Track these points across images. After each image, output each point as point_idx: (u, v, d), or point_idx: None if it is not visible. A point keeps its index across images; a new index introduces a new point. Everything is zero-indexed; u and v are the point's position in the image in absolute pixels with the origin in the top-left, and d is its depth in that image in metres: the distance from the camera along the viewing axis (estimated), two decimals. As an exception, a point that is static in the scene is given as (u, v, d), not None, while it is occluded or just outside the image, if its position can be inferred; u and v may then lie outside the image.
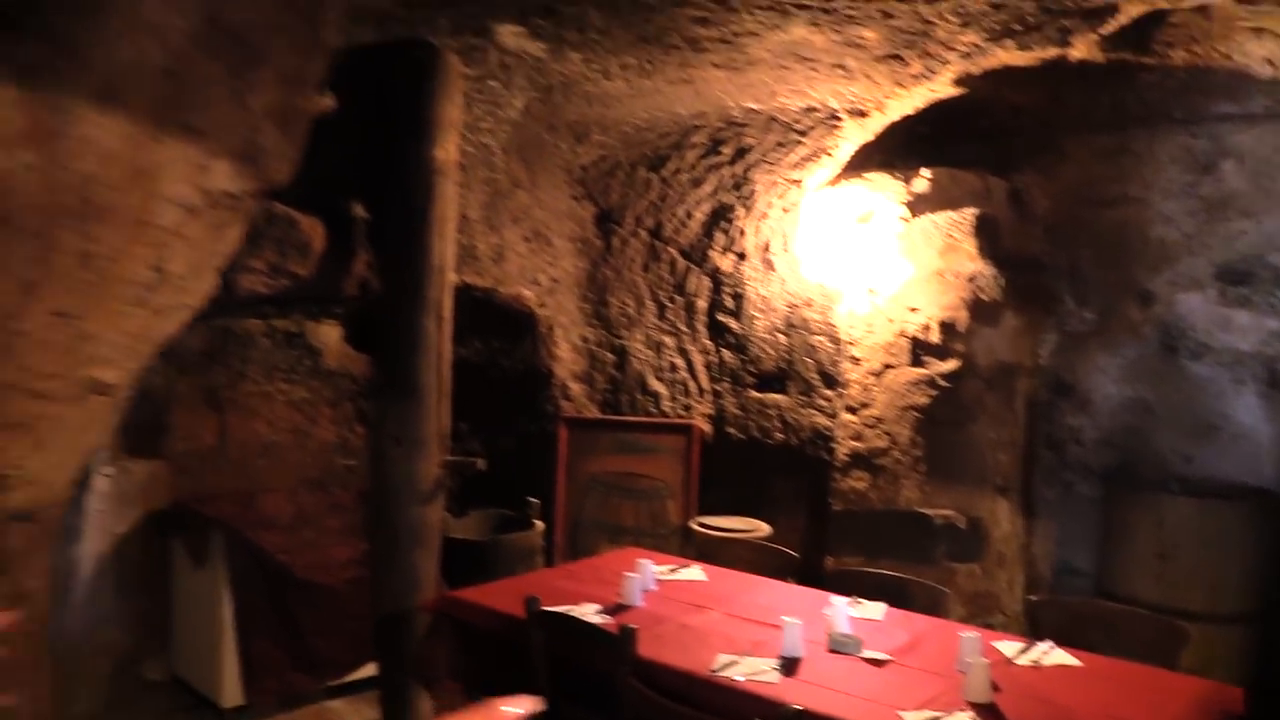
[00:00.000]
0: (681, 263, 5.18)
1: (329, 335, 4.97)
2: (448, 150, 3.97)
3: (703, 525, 4.58)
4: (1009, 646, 2.78)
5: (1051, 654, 2.72)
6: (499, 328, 5.11)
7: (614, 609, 3.08)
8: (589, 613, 2.98)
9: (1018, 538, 4.64)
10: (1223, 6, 3.75)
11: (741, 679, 2.50)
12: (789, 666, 2.60)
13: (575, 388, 5.30)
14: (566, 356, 5.27)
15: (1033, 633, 3.04)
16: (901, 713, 2.29)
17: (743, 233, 5.02)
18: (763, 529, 4.57)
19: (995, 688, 2.42)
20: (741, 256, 5.05)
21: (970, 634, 2.69)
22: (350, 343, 4.93)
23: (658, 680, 2.52)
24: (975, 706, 2.34)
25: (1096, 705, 2.38)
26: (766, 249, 4.99)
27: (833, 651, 2.74)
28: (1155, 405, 4.64)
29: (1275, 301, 4.40)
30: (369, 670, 4.40)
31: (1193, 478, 4.42)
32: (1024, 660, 2.69)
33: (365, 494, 4.71)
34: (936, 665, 2.63)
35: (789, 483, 4.88)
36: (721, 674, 2.53)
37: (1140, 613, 3.02)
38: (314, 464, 5.05)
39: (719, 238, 5.08)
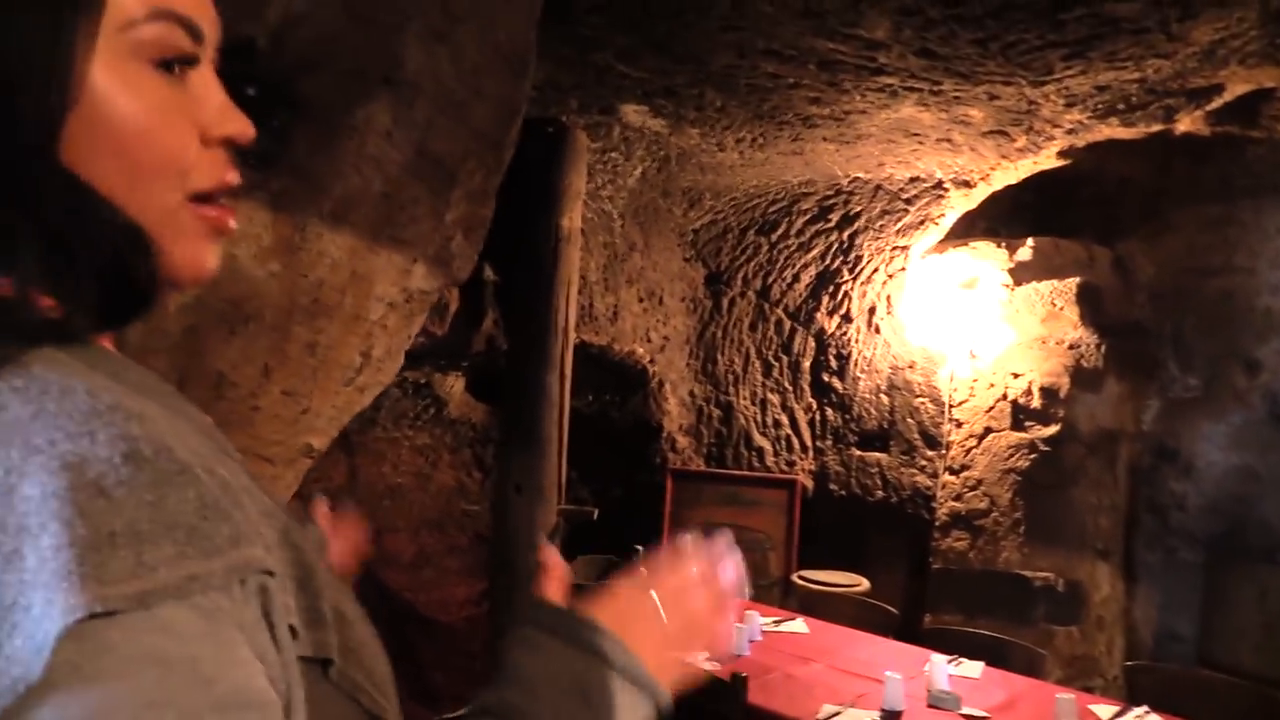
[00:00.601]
0: (788, 323, 5.40)
1: (454, 386, 5.32)
2: (573, 219, 4.29)
3: (804, 579, 4.74)
4: (1104, 710, 2.89)
5: (1147, 719, 2.82)
6: (612, 382, 5.39)
7: (723, 657, 3.28)
8: (700, 659, 3.19)
9: (1118, 602, 4.67)
10: (1328, 85, 3.83)
11: (846, 728, 2.68)
12: (890, 719, 2.77)
13: (682, 441, 5.54)
14: (675, 411, 5.51)
15: (1130, 698, 3.13)
16: (999, 767, 2.44)
17: (848, 296, 5.21)
18: (863, 584, 4.71)
19: (1090, 749, 2.55)
20: (847, 319, 5.24)
21: (1066, 696, 2.81)
22: (473, 393, 5.27)
23: (765, 726, 2.71)
24: (1070, 765, 2.47)
25: (1190, 771, 2.49)
26: (872, 312, 5.17)
27: (932, 707, 2.89)
28: (1262, 473, 4.64)
29: (1388, 374, 4.39)
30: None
31: (1301, 549, 4.41)
32: (1120, 725, 2.80)
33: (483, 536, 5.01)
34: (1033, 724, 2.76)
35: (889, 540, 5.01)
36: (828, 723, 2.71)
37: (1239, 683, 3.09)
38: (435, 506, 5.38)
39: (825, 300, 5.29)
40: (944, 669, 3.04)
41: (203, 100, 0.63)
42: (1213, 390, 4.80)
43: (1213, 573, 4.49)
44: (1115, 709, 2.90)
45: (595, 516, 4.59)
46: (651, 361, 5.38)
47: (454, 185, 1.67)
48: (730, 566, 0.87)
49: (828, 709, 2.79)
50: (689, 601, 0.84)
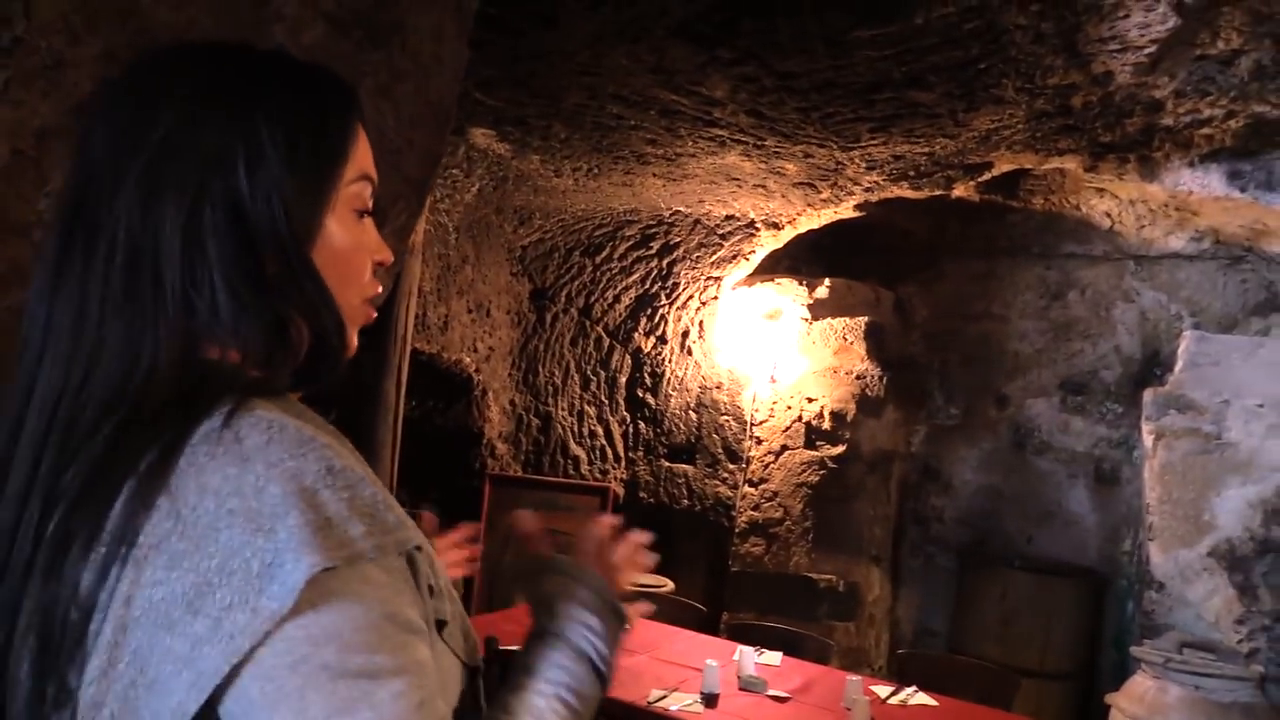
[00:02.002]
0: (607, 341, 5.76)
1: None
2: (418, 233, 4.47)
3: (614, 579, 5.11)
4: (882, 689, 3.41)
5: (916, 696, 3.35)
6: (438, 389, 5.56)
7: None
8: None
9: (886, 601, 5.33)
10: (1074, 170, 4.60)
11: (674, 709, 3.05)
12: (710, 701, 3.16)
13: (502, 447, 5.78)
14: (496, 418, 5.75)
15: (900, 680, 3.68)
16: (802, 737, 2.88)
17: (665, 319, 5.64)
18: (668, 585, 5.13)
19: (873, 721, 3.04)
20: (662, 340, 5.67)
21: (854, 678, 3.30)
22: (306, 400, 5.30)
23: (603, 709, 3.03)
24: (858, 734, 2.94)
25: (951, 736, 3.02)
26: (685, 335, 5.63)
27: (743, 690, 3.31)
28: (1005, 492, 5.43)
29: (1104, 411, 5.26)
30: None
31: (1032, 555, 5.21)
32: (894, 701, 3.31)
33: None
34: (827, 703, 3.23)
35: (692, 545, 5.46)
36: (657, 705, 3.07)
37: (984, 664, 3.70)
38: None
39: (643, 321, 5.69)
40: (751, 657, 3.47)
41: (372, 237, 0.93)
42: (969, 419, 5.57)
43: (963, 576, 5.22)
44: (891, 688, 3.43)
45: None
46: (477, 370, 5.60)
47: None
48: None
49: (656, 693, 3.15)
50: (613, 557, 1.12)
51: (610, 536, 1.12)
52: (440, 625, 0.89)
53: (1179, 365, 4.69)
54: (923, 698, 3.35)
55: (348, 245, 0.89)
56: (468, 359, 5.52)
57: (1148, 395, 4.69)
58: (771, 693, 3.28)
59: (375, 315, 0.98)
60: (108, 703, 0.74)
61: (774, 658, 3.68)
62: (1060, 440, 5.32)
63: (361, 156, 0.91)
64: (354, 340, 0.93)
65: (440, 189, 4.98)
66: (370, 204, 0.92)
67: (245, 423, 0.79)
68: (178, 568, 0.74)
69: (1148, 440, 4.68)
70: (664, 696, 3.12)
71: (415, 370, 5.21)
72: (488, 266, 5.59)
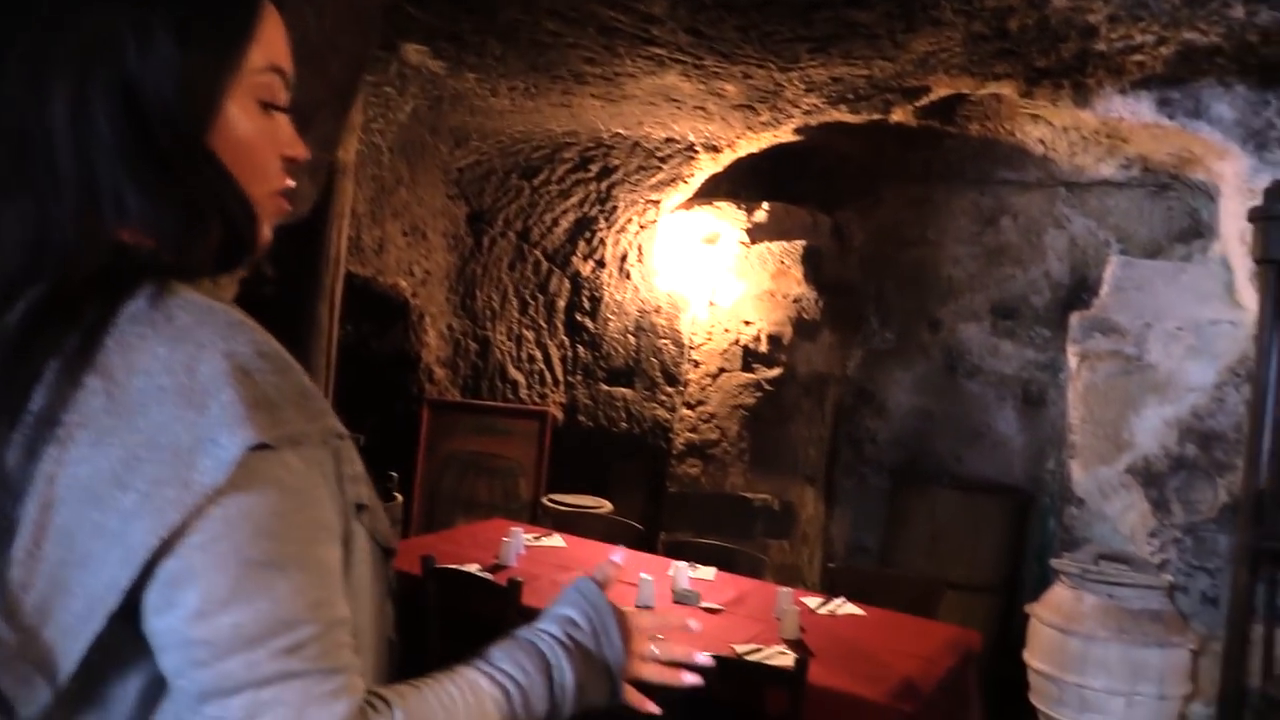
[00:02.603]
0: (545, 265, 5.73)
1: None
2: (348, 151, 4.36)
3: (553, 501, 5.16)
4: (812, 600, 3.51)
5: (844, 606, 3.46)
6: (374, 313, 5.50)
7: (493, 568, 3.62)
8: (475, 570, 3.51)
9: (819, 520, 5.47)
10: (1010, 96, 4.63)
11: (607, 621, 3.11)
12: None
13: (440, 372, 5.76)
14: (434, 343, 5.71)
15: (830, 592, 3.80)
16: (734, 645, 2.96)
17: (603, 243, 5.62)
18: (606, 506, 5.19)
19: (802, 629, 3.13)
20: (601, 264, 5.65)
21: (785, 590, 3.40)
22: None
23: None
24: (788, 642, 3.04)
25: (877, 641, 3.13)
26: (624, 259, 5.61)
27: (677, 603, 3.38)
28: (936, 413, 5.56)
29: (1033, 335, 5.39)
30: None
31: (961, 475, 5.36)
32: (824, 610, 3.42)
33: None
34: (758, 613, 3.32)
35: (630, 467, 5.52)
36: (590, 617, 3.12)
37: (910, 576, 3.83)
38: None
39: (581, 245, 5.66)
40: (685, 572, 3.54)
41: (284, 132, 0.91)
42: (903, 343, 5.66)
43: (894, 495, 5.37)
44: (820, 599, 3.53)
45: (363, 442, 4.74)
46: (413, 295, 5.53)
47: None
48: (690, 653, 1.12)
49: (591, 606, 3.20)
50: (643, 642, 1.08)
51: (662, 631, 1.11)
52: (359, 509, 0.90)
53: (1104, 289, 4.80)
54: (851, 608, 3.46)
55: (251, 135, 0.87)
56: (404, 283, 5.45)
57: (1073, 319, 4.81)
58: (705, 604, 3.36)
59: (289, 208, 0.96)
60: (35, 583, 0.73)
61: (708, 572, 3.76)
62: (990, 363, 5.45)
63: (271, 45, 0.88)
64: (267, 233, 0.92)
65: (373, 108, 4.86)
66: (283, 99, 0.90)
67: (174, 303, 0.79)
68: (104, 444, 0.73)
69: (1072, 362, 4.81)
70: (600, 610, 3.18)
71: (351, 294, 5.13)
72: (423, 189, 5.50)
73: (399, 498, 5.20)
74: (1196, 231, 5.06)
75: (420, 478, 5.64)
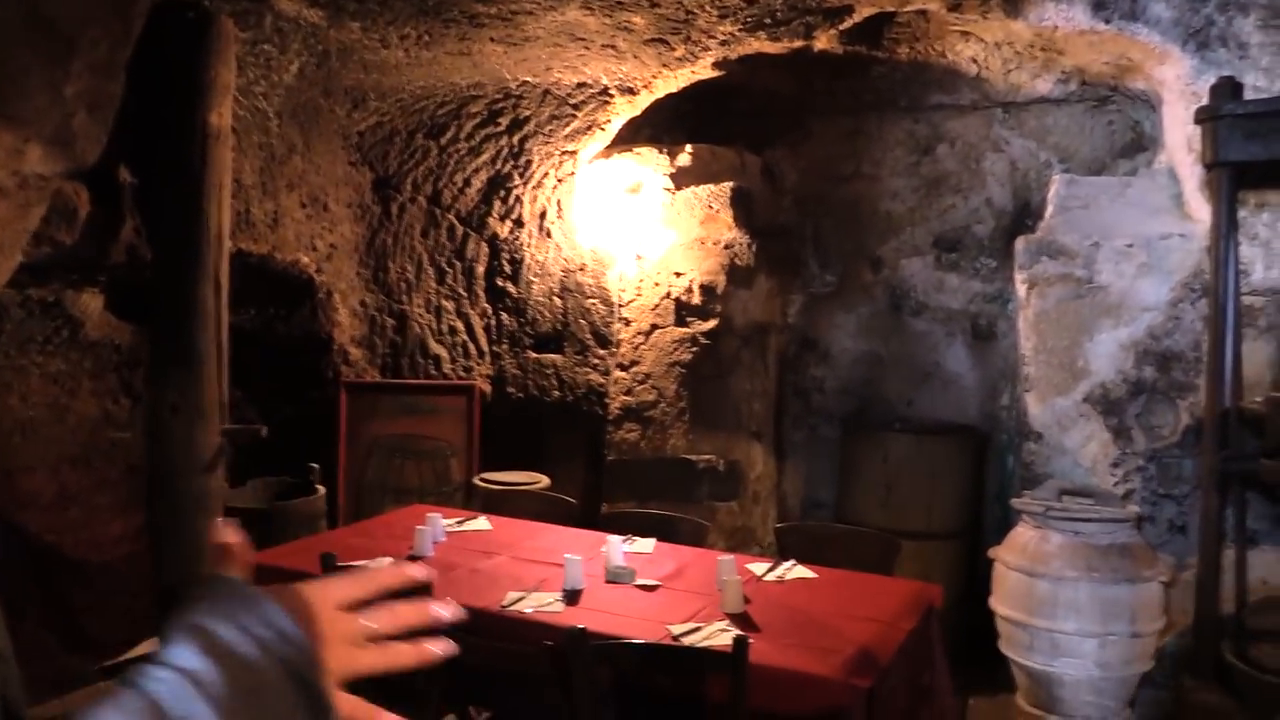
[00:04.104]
0: (460, 229, 5.35)
1: (90, 304, 4.78)
2: (223, 115, 3.95)
3: (485, 480, 4.82)
4: (759, 566, 3.22)
5: (794, 570, 3.18)
6: (276, 294, 5.09)
7: (409, 559, 3.28)
8: (383, 564, 3.17)
9: (770, 477, 5.18)
10: (937, 12, 4.33)
11: (530, 611, 2.79)
12: (572, 598, 2.91)
13: (355, 353, 5.37)
14: (346, 322, 5.32)
15: (781, 554, 3.51)
16: (669, 626, 2.65)
17: (520, 201, 5.25)
18: (542, 481, 4.87)
19: (747, 600, 2.84)
20: (519, 224, 5.28)
21: (726, 558, 3.10)
22: (114, 311, 4.77)
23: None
24: (731, 616, 2.74)
25: (830, 607, 2.85)
26: (543, 216, 5.25)
27: (610, 583, 3.08)
28: (884, 356, 5.29)
29: (979, 267, 5.12)
30: (148, 646, 4.34)
31: (913, 418, 5.11)
32: (771, 577, 3.13)
33: (136, 467, 4.59)
34: (699, 586, 3.02)
35: (567, 437, 5.19)
36: (511, 609, 2.81)
37: (863, 531, 3.56)
38: (76, 439, 4.85)
39: (497, 205, 5.28)
40: (619, 547, 3.23)
41: None
42: (845, 285, 5.38)
43: (845, 445, 5.10)
44: (768, 564, 3.24)
45: (264, 434, 4.36)
46: (318, 271, 5.13)
47: (73, 55, 1.47)
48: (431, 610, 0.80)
49: (513, 595, 2.89)
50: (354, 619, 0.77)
51: (382, 591, 0.79)
52: None
53: (1049, 210, 4.54)
54: (801, 571, 3.18)
55: None
56: (306, 259, 5.05)
57: (1019, 243, 4.54)
58: (640, 582, 3.06)
59: None
60: None
61: (646, 545, 3.46)
62: (936, 299, 5.18)
63: None
64: None
65: (252, 69, 4.43)
66: None
67: None
68: None
69: (1021, 290, 4.55)
70: (521, 599, 2.86)
71: (246, 275, 4.72)
72: (320, 155, 5.08)
73: (321, 490, 4.83)
74: (1140, 145, 4.82)
75: (343, 467, 5.28)
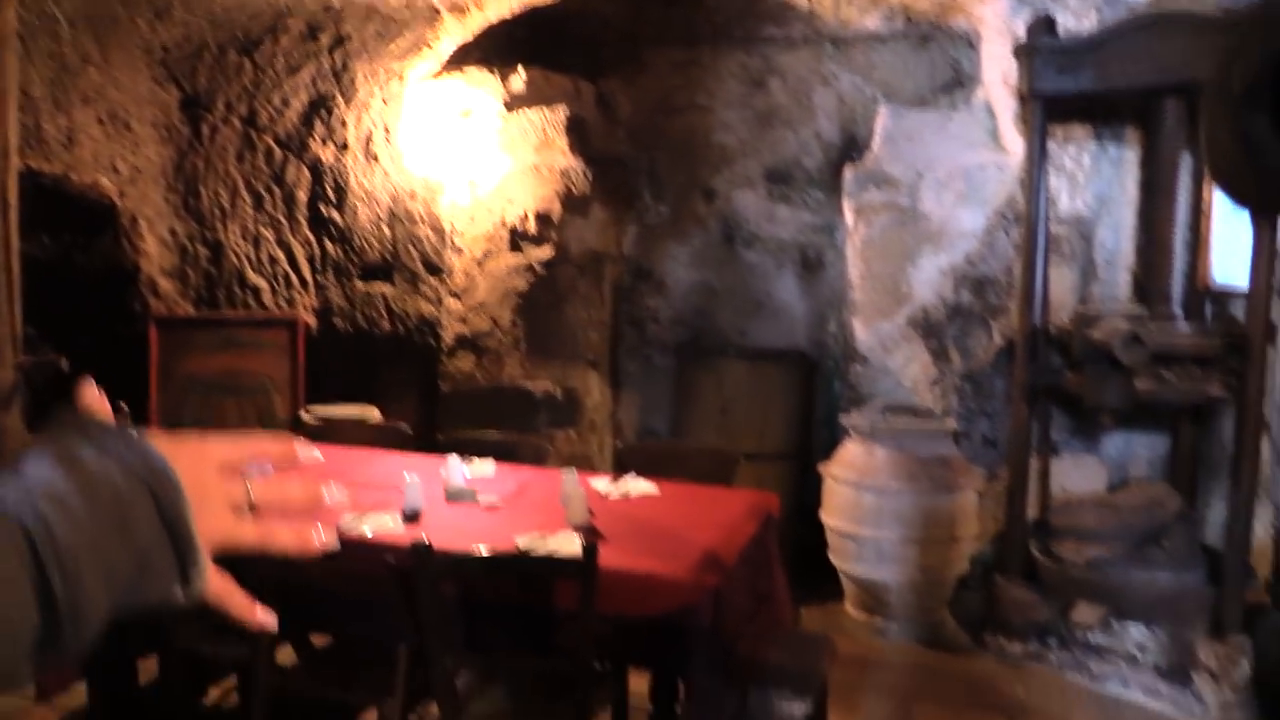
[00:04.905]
0: (279, 153, 5.04)
1: None
2: (5, 17, 3.55)
3: (313, 415, 4.61)
4: (601, 483, 3.22)
5: (637, 484, 3.19)
6: (74, 220, 4.67)
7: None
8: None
9: (607, 406, 5.19)
10: (768, -62, 4.35)
11: (369, 532, 2.69)
12: (412, 518, 2.82)
13: (165, 285, 5.01)
14: (154, 251, 4.95)
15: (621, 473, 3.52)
16: (516, 538, 2.62)
17: (344, 123, 4.99)
18: (374, 414, 4.70)
19: (592, 513, 2.83)
20: (343, 147, 5.02)
21: (570, 471, 3.07)
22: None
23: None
24: (576, 528, 2.72)
25: (673, 517, 2.88)
26: (369, 141, 5.01)
27: (450, 501, 3.00)
28: (717, 287, 5.37)
29: (808, 198, 5.25)
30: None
31: (745, 346, 5.21)
32: (615, 493, 3.13)
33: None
34: (543, 503, 2.99)
35: (399, 370, 5.03)
36: (348, 530, 2.69)
37: (702, 447, 3.62)
38: None
39: (319, 128, 5.01)
40: (459, 468, 3.16)
41: None
42: (679, 216, 5.40)
43: (681, 374, 5.16)
44: (611, 480, 3.24)
45: (66, 368, 4.02)
46: (121, 195, 4.74)
47: None
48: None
49: (349, 518, 2.77)
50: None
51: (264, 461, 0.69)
52: None
53: (876, 141, 4.69)
54: (644, 485, 3.20)
55: None
56: (106, 181, 4.65)
57: (848, 172, 4.68)
58: (482, 499, 3.00)
59: None
60: None
61: (486, 467, 3.39)
62: (767, 230, 5.28)
63: None
64: None
65: (36, -35, 4.01)
66: None
67: None
68: None
69: (849, 218, 4.70)
70: (358, 521, 2.75)
71: (39, 197, 4.31)
72: (119, 69, 4.66)
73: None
74: (959, 81, 5.01)
75: (156, 407, 4.93)
